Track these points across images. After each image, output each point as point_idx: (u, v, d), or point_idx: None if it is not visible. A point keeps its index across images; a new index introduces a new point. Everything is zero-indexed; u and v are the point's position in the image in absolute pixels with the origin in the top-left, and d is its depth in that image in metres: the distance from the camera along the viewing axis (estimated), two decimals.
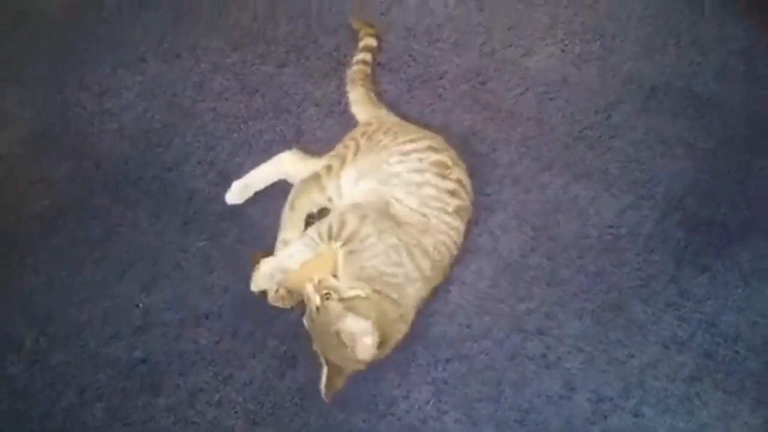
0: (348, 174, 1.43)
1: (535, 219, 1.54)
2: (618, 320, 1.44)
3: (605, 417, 1.35)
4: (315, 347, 1.30)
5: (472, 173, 1.53)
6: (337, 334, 1.22)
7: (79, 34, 1.80)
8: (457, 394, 1.36)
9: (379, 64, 1.73)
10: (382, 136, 1.45)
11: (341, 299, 1.24)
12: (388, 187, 1.38)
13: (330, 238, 1.32)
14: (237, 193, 1.52)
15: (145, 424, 1.34)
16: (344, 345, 1.23)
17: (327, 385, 1.26)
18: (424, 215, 1.36)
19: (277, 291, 1.36)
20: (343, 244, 1.31)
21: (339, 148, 1.49)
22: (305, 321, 1.30)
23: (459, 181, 1.42)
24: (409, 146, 1.41)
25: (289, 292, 1.35)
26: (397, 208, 1.36)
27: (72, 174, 1.60)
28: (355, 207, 1.37)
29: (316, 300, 1.25)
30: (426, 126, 1.60)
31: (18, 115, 1.68)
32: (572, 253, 1.50)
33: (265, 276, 1.35)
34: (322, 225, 1.34)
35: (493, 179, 1.59)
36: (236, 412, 1.35)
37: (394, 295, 1.29)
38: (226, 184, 1.56)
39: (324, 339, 1.26)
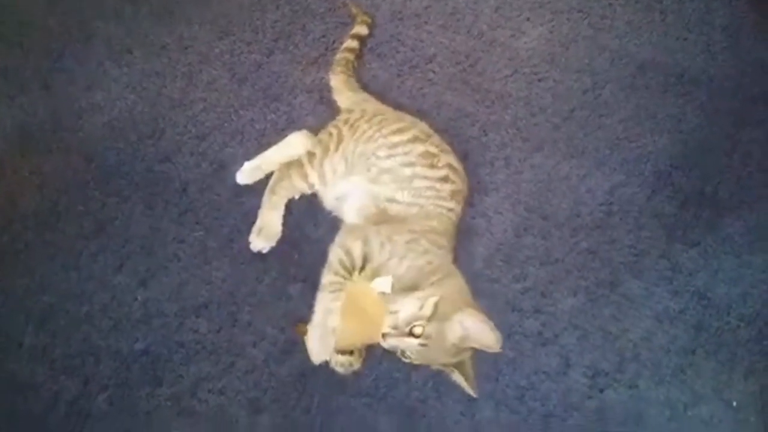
0: (335, 165, 1.44)
1: (528, 199, 1.56)
2: (612, 296, 1.46)
3: (601, 390, 1.38)
4: (434, 368, 1.28)
5: (464, 156, 1.54)
6: (455, 345, 1.19)
7: (64, 29, 1.78)
8: None
9: (369, 49, 1.73)
10: (365, 126, 1.45)
11: (429, 320, 1.18)
12: (381, 186, 1.37)
13: (348, 270, 1.28)
14: (248, 173, 1.52)
15: (149, 414, 1.35)
16: (467, 346, 1.20)
17: (469, 383, 1.22)
18: (421, 206, 1.36)
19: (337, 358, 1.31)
20: (361, 270, 1.28)
21: (321, 135, 1.50)
22: (407, 359, 1.22)
23: (449, 166, 1.42)
24: (395, 138, 1.41)
25: (350, 353, 1.31)
26: (394, 209, 1.36)
27: (63, 170, 1.59)
28: (351, 232, 1.34)
29: (413, 343, 1.18)
30: (417, 110, 1.61)
31: (5, 113, 1.66)
32: (565, 232, 1.52)
33: (317, 349, 1.27)
34: (332, 266, 1.29)
35: (484, 161, 1.60)
36: (239, 400, 1.37)
37: (445, 272, 1.28)
38: (220, 174, 1.56)
39: (443, 355, 1.21)
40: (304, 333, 1.30)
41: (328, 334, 1.25)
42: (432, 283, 1.25)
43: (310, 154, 1.47)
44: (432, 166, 1.40)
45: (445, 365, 1.24)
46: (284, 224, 1.49)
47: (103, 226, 1.52)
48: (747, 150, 1.61)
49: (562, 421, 1.36)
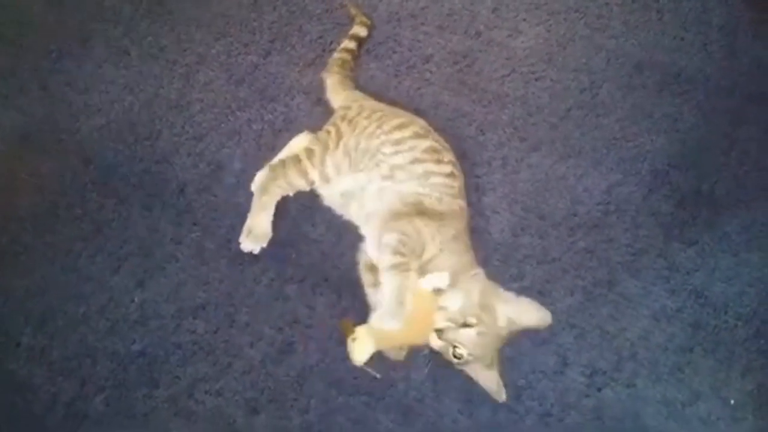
0: (337, 161, 1.43)
1: (525, 199, 1.56)
2: (609, 295, 1.46)
3: (599, 389, 1.38)
4: (469, 370, 1.29)
5: (461, 156, 1.54)
6: (504, 329, 1.25)
7: (62, 30, 1.78)
8: (453, 374, 1.37)
9: (366, 50, 1.73)
10: (365, 122, 1.45)
11: (480, 307, 1.24)
12: (401, 184, 1.37)
13: (412, 250, 1.26)
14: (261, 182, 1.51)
15: (146, 415, 1.35)
16: (515, 329, 1.26)
17: (497, 387, 1.27)
18: (448, 203, 1.37)
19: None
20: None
21: (320, 133, 1.50)
22: (459, 358, 1.24)
23: (452, 163, 1.43)
24: (397, 134, 1.41)
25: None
26: (427, 202, 1.36)
27: (61, 172, 1.60)
28: (398, 218, 1.32)
29: (471, 333, 1.22)
30: (414, 110, 1.61)
31: (4, 115, 1.67)
32: (562, 231, 1.52)
33: (387, 323, 1.22)
34: (392, 248, 1.25)
35: (482, 161, 1.60)
36: (236, 401, 1.37)
37: (482, 279, 1.33)
38: (217, 175, 1.57)
39: (496, 343, 1.26)
40: (350, 331, 1.28)
41: (401, 312, 1.21)
42: (469, 279, 1.29)
43: (309, 151, 1.46)
44: (439, 162, 1.40)
45: (489, 363, 1.26)
46: (281, 224, 1.49)
47: (100, 227, 1.52)
48: (744, 148, 1.61)
49: (560, 420, 1.36)
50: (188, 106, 1.66)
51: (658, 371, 1.39)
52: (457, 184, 1.41)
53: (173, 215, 1.53)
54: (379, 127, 1.43)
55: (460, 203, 1.40)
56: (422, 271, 1.28)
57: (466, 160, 1.57)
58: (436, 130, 1.52)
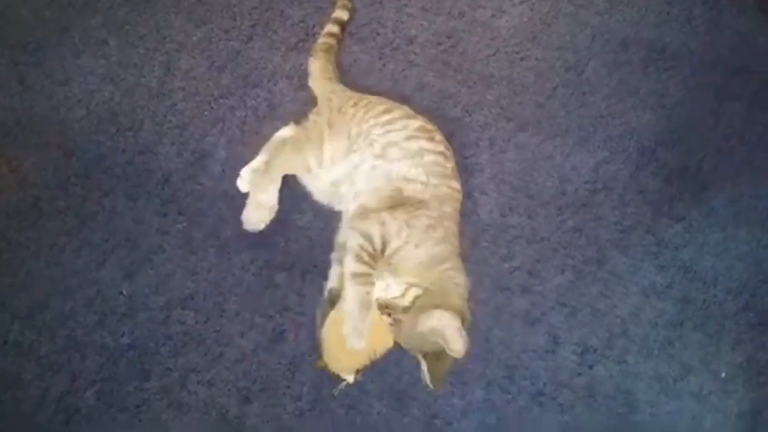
0: (334, 145, 1.40)
1: (513, 179, 1.56)
2: (599, 273, 1.46)
3: (591, 367, 1.39)
4: (410, 350, 1.28)
5: (448, 137, 1.53)
6: (424, 335, 1.20)
7: (38, 22, 1.74)
8: None
9: (349, 33, 1.71)
10: (352, 110, 1.43)
11: (404, 310, 1.22)
12: (393, 164, 1.34)
13: (372, 256, 1.25)
14: (247, 178, 1.50)
15: (138, 407, 1.34)
16: (437, 342, 1.20)
17: (432, 377, 1.23)
18: (435, 186, 1.34)
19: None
20: (382, 252, 1.27)
21: (307, 123, 1.47)
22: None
23: (443, 143, 1.42)
24: (387, 116, 1.40)
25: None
26: (410, 189, 1.33)
27: (43, 165, 1.57)
28: (365, 216, 1.31)
29: (385, 319, 1.23)
30: (399, 93, 1.60)
31: None
32: (551, 210, 1.52)
33: (353, 341, 1.23)
34: (355, 254, 1.25)
35: (469, 142, 1.59)
36: (229, 390, 1.36)
37: (454, 274, 1.29)
38: (202, 164, 1.55)
39: (416, 342, 1.23)
40: (325, 367, 1.30)
41: (363, 327, 1.23)
42: (440, 271, 1.26)
43: (307, 135, 1.44)
44: (432, 140, 1.39)
45: (423, 353, 1.24)
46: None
47: (85, 220, 1.50)
48: (729, 123, 1.62)
49: (553, 399, 1.37)
50: (170, 94, 1.64)
51: (648, 347, 1.40)
52: (450, 164, 1.40)
53: (158, 206, 1.51)
54: (366, 113, 1.42)
55: (452, 184, 1.38)
56: (392, 258, 1.27)
57: (453, 141, 1.55)
58: (422, 112, 1.50)
